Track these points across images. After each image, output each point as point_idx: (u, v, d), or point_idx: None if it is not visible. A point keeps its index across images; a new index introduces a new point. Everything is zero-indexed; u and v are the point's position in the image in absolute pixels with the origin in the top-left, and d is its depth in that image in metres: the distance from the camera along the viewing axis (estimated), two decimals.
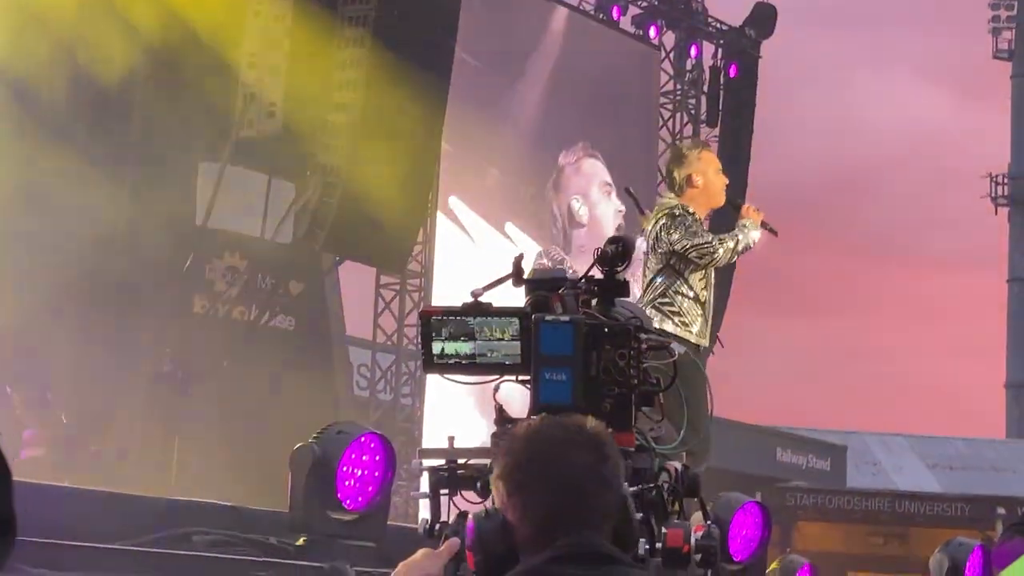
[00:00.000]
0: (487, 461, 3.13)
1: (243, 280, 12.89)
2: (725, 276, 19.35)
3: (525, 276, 3.52)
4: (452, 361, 3.32)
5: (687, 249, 6.31)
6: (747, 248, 6.43)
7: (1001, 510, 20.23)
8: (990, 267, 44.42)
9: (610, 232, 16.79)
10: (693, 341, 6.38)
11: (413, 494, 2.98)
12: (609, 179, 17.29)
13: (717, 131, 19.11)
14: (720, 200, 6.61)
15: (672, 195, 6.56)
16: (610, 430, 3.42)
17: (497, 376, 3.44)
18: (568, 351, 3.23)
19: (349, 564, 4.37)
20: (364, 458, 4.82)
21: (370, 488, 4.83)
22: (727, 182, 6.64)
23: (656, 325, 6.35)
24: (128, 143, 11.97)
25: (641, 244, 6.47)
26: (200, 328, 12.44)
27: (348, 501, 4.75)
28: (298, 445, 4.88)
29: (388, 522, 5.11)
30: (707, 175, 6.50)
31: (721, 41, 18.94)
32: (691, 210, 6.41)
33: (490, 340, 3.31)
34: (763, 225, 6.49)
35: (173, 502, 5.11)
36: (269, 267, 13.02)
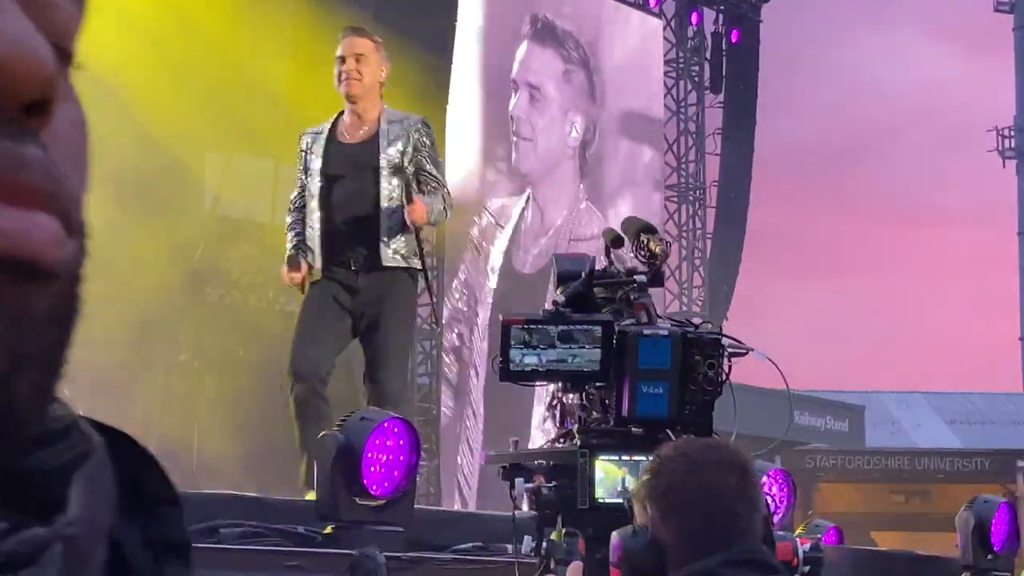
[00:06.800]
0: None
1: (257, 266, 12.86)
2: (734, 240, 19.35)
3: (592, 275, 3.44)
4: (530, 369, 3.29)
5: None
6: None
7: (1022, 463, 20.22)
8: (1001, 221, 44.29)
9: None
10: None
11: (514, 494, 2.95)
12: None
13: (721, 97, 19.09)
14: None
15: None
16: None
17: (569, 382, 3.41)
18: (666, 365, 3.21)
19: (378, 549, 4.36)
20: (388, 443, 4.82)
21: (396, 473, 4.83)
22: None
23: None
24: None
25: None
26: (213, 317, 12.42)
27: (375, 487, 4.75)
28: (322, 433, 4.88)
29: (415, 505, 5.11)
30: None
31: (721, 7, 18.87)
32: None
33: (570, 348, 3.28)
34: None
35: (197, 495, 5.10)
36: (281, 252, 12.94)
